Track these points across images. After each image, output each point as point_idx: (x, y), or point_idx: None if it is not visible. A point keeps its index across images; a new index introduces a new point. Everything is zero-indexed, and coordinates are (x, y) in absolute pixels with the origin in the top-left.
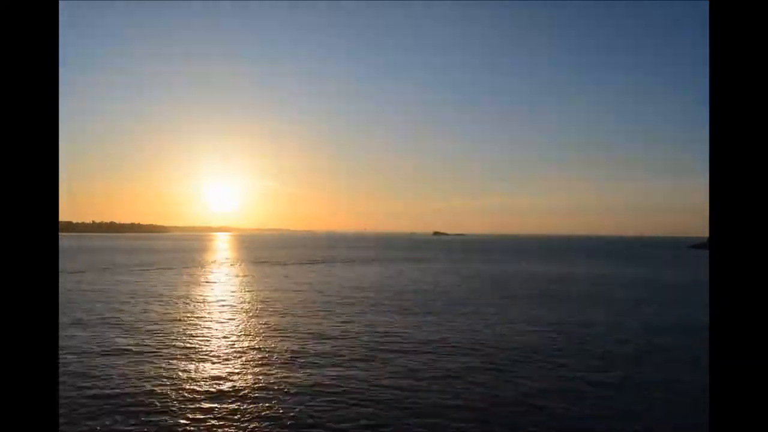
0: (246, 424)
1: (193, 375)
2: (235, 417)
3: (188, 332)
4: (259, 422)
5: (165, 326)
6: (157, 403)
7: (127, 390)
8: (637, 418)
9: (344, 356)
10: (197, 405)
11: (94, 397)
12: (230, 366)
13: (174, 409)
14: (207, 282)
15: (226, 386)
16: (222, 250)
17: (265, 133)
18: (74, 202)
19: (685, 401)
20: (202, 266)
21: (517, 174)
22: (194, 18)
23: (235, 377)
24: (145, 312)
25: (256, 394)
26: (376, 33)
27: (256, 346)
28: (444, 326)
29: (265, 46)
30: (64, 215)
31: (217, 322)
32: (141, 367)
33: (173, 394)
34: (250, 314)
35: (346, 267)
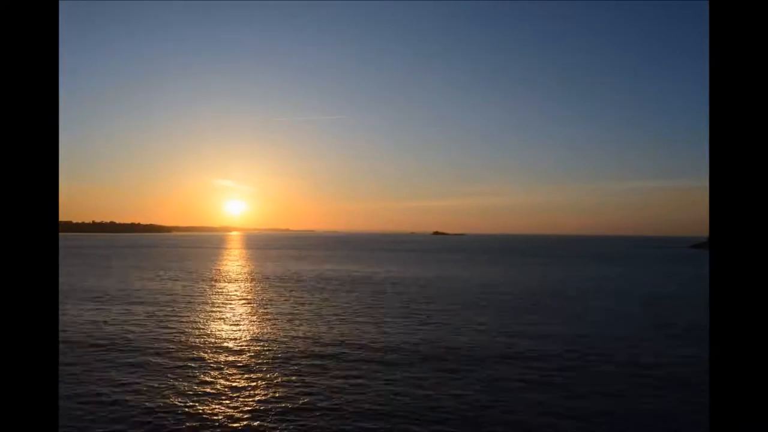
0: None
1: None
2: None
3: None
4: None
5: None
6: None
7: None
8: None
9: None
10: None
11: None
12: None
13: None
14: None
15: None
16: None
17: (265, 134)
18: (74, 202)
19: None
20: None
21: (519, 174)
22: (195, 17)
23: None
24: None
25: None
26: (373, 29)
27: None
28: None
29: (266, 44)
30: (64, 215)
31: None
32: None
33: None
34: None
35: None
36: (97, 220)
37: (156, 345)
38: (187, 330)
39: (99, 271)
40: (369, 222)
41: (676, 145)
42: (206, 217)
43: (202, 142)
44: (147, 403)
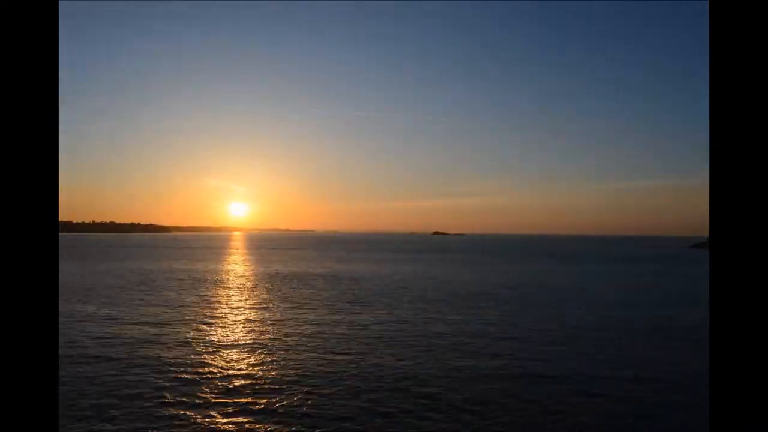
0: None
1: None
2: None
3: None
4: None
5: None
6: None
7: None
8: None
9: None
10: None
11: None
12: None
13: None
14: None
15: None
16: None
17: (265, 134)
18: (74, 202)
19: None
20: None
21: (520, 174)
22: (194, 18)
23: None
24: None
25: None
26: (374, 29)
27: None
28: None
29: (264, 45)
30: (64, 215)
31: None
32: None
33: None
34: None
35: None
36: (97, 220)
37: (155, 343)
38: (188, 329)
39: (99, 270)
40: (369, 222)
41: (676, 145)
42: (206, 217)
43: (202, 142)
44: (146, 402)
